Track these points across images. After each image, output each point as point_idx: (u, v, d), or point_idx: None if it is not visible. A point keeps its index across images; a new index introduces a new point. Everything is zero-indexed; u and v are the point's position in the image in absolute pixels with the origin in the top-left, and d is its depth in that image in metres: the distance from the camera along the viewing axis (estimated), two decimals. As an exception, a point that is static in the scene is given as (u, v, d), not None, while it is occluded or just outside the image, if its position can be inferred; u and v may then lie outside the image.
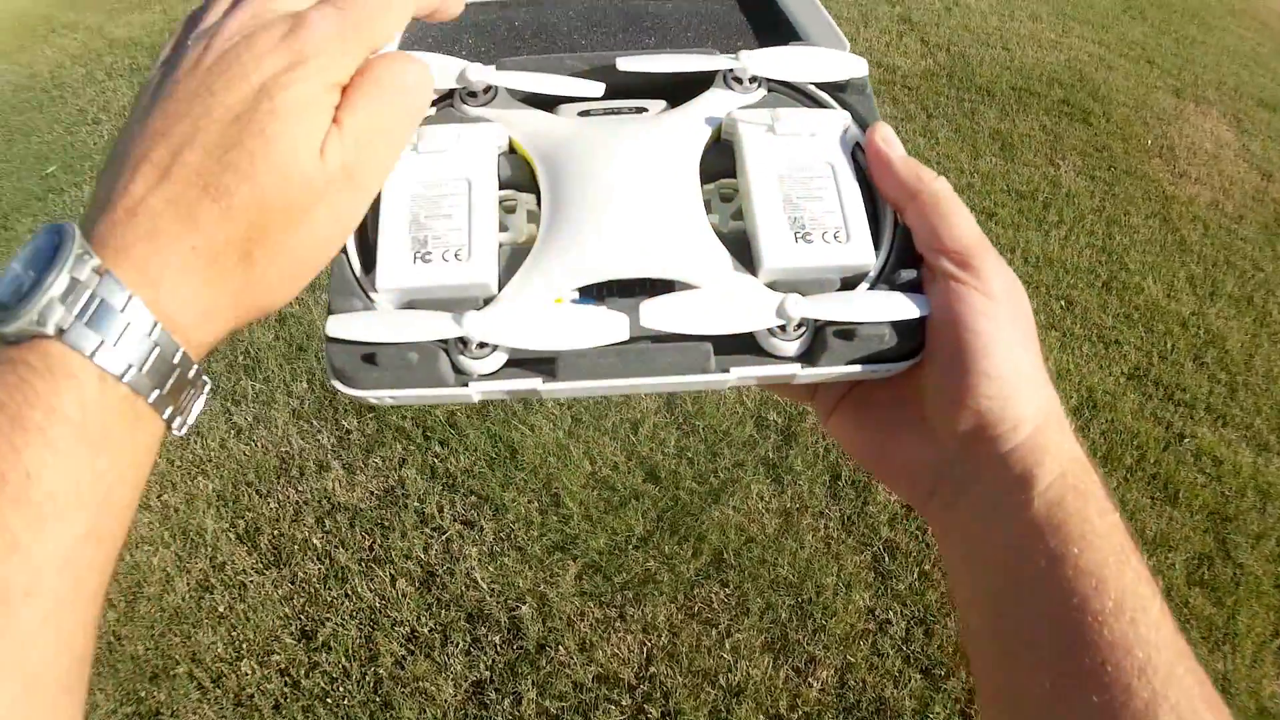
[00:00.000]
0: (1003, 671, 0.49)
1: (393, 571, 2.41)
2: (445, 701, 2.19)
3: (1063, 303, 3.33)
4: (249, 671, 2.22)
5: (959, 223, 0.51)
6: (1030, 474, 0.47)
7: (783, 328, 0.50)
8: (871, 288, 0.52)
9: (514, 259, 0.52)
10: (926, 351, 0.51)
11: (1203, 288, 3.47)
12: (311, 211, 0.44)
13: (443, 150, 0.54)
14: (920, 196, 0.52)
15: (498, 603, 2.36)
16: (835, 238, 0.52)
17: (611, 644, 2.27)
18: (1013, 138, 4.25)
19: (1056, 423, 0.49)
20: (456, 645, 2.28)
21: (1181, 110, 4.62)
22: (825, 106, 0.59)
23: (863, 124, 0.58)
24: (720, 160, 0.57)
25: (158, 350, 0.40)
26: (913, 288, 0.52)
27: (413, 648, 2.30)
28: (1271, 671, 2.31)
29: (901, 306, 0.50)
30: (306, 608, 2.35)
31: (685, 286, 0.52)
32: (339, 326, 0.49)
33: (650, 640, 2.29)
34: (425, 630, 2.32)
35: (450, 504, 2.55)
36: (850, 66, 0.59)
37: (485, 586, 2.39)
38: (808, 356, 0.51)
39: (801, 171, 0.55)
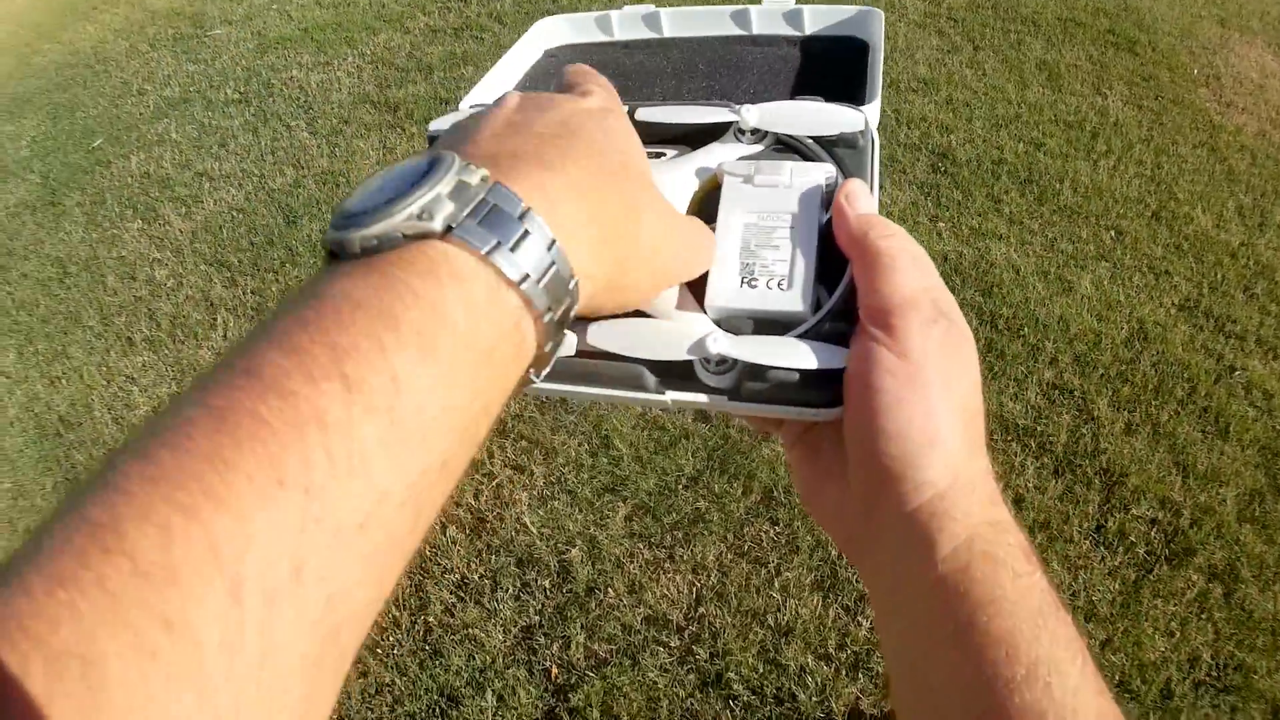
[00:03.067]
0: None
1: (443, 519, 2.43)
2: (494, 648, 2.21)
3: (1113, 233, 3.29)
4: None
5: (888, 281, 0.51)
6: (931, 538, 0.47)
7: (706, 360, 0.54)
8: (801, 336, 0.54)
9: None
10: (845, 403, 0.52)
11: (1252, 218, 3.42)
12: (666, 218, 0.48)
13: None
14: (862, 252, 0.53)
15: (547, 547, 2.38)
16: (779, 285, 0.56)
17: (660, 585, 2.28)
18: (1059, 68, 4.19)
19: (966, 486, 0.48)
20: (506, 591, 2.30)
21: (1227, 40, 4.54)
22: (815, 159, 0.61)
23: (848, 177, 0.60)
24: (712, 205, 0.61)
25: (554, 268, 0.37)
26: (839, 340, 0.53)
27: (463, 594, 2.32)
28: (1323, 610, 2.28)
29: (811, 356, 0.53)
30: (356, 556, 2.35)
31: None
32: None
33: (699, 580, 2.29)
34: (475, 577, 2.35)
35: (501, 449, 2.57)
36: (847, 121, 0.62)
37: (535, 531, 2.41)
38: (736, 392, 0.54)
39: (766, 220, 0.58)
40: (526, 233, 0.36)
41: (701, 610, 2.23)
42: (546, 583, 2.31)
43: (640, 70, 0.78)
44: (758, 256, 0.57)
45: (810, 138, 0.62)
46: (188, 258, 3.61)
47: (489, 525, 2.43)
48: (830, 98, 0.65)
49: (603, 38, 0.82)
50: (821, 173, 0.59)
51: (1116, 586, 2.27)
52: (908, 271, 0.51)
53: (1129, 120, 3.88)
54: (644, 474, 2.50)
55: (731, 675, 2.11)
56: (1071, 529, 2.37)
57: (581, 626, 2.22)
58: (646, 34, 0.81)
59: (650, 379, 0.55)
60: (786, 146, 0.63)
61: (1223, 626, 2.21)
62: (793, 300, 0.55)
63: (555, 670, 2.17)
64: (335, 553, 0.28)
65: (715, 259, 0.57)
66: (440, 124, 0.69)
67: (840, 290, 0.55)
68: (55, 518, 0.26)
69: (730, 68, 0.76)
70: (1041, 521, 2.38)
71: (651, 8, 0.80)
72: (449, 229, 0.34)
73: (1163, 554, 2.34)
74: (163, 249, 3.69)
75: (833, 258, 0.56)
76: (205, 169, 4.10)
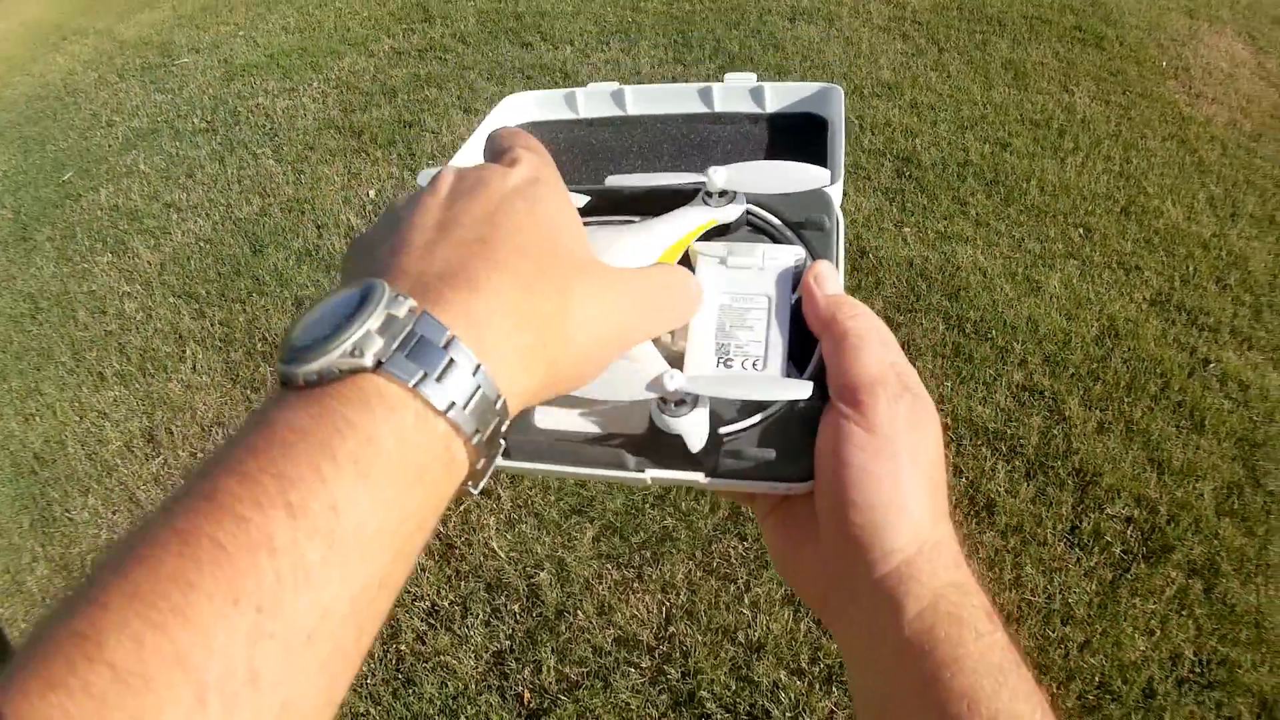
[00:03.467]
0: None
1: (412, 545, 2.40)
2: (466, 674, 2.20)
3: (1081, 230, 3.28)
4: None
5: (857, 359, 0.53)
6: (899, 602, 0.49)
7: (664, 401, 0.55)
8: (776, 413, 0.57)
9: None
10: (816, 475, 0.54)
11: (1223, 209, 3.41)
12: (606, 294, 0.47)
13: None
14: (830, 333, 0.56)
15: (516, 570, 2.36)
16: (754, 365, 0.58)
17: (630, 605, 2.26)
18: (1025, 66, 4.21)
19: (931, 551, 0.50)
20: (476, 616, 2.29)
21: (1195, 30, 4.55)
22: (785, 241, 0.65)
23: (816, 258, 0.63)
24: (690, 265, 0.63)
25: (480, 392, 0.39)
26: (811, 415, 0.55)
27: (433, 622, 2.31)
28: (1309, 602, 2.26)
29: (770, 388, 0.56)
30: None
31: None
32: None
33: (669, 599, 2.28)
34: (445, 604, 2.34)
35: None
36: (813, 177, 0.65)
37: (504, 555, 2.40)
38: (712, 469, 0.56)
39: (740, 302, 0.61)
40: (452, 361, 0.38)
41: (672, 629, 2.22)
42: (516, 607, 2.29)
43: (606, 149, 0.82)
44: (733, 337, 0.59)
45: (780, 219, 0.65)
46: (156, 290, 3.60)
47: (458, 551, 2.42)
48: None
49: (569, 115, 0.85)
50: (791, 255, 0.62)
51: (1093, 587, 2.25)
52: (874, 350, 0.54)
53: (1097, 116, 3.88)
54: (610, 494, 2.49)
55: (704, 694, 2.09)
56: (1045, 531, 2.35)
57: (552, 650, 2.20)
58: (612, 111, 0.84)
59: (630, 459, 0.56)
60: (757, 229, 0.66)
61: (1204, 622, 2.20)
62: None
63: (528, 695, 2.16)
64: (287, 662, 0.31)
65: (690, 341, 0.59)
66: (425, 176, 0.68)
67: (811, 368, 0.58)
68: (47, 625, 0.29)
69: (695, 146, 0.79)
70: (1014, 525, 2.37)
71: (616, 85, 0.83)
72: (379, 363, 0.36)
73: (1140, 552, 2.33)
74: (132, 282, 3.69)
75: (804, 336, 0.59)
76: (173, 200, 4.10)
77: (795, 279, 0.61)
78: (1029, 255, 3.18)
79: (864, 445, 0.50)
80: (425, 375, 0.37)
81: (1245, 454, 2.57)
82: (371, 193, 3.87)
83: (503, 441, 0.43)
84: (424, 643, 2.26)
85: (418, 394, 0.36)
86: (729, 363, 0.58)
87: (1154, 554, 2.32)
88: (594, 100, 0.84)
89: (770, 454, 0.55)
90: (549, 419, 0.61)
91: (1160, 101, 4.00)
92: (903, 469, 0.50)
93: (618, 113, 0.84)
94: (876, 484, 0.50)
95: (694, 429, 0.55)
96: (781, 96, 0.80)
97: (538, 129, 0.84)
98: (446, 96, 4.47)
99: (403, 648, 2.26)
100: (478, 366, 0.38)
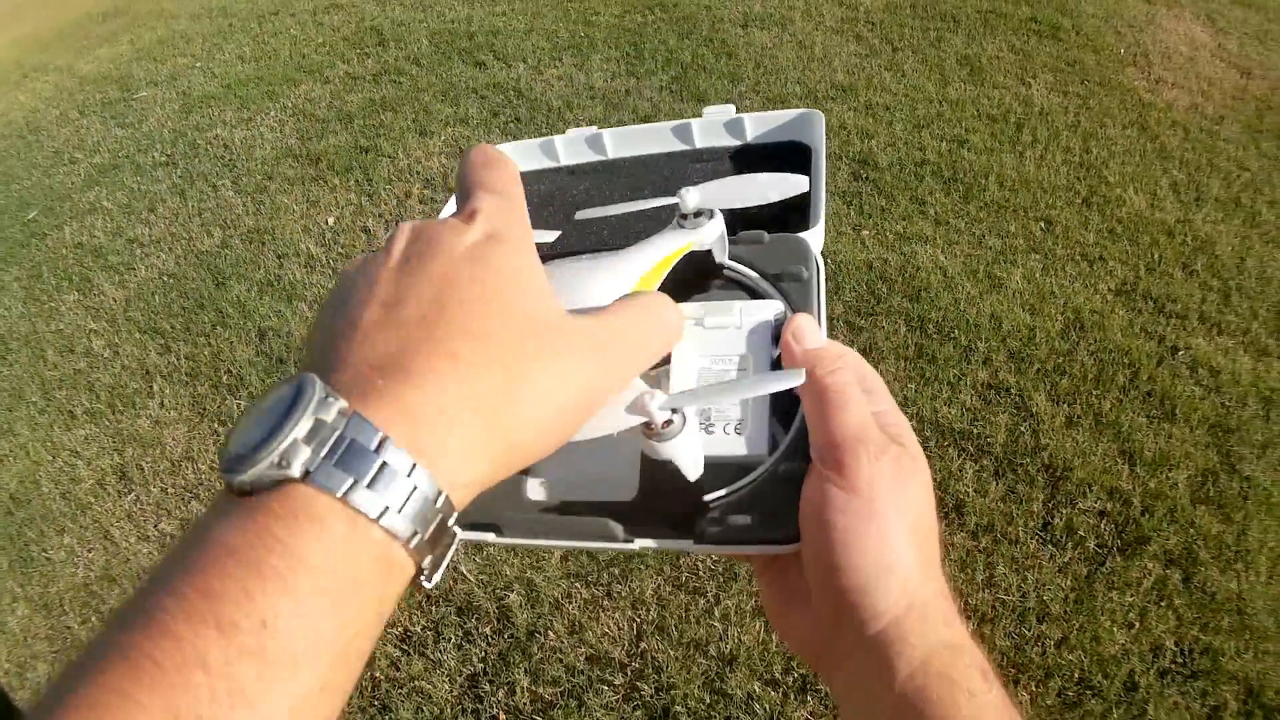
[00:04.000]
0: None
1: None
2: (441, 699, 2.19)
3: (1042, 224, 3.28)
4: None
5: (836, 418, 0.53)
6: (890, 662, 0.49)
7: (649, 425, 0.52)
8: (760, 476, 0.57)
9: None
10: (802, 539, 0.54)
11: (1187, 194, 3.41)
12: (563, 356, 0.45)
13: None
14: (808, 390, 0.55)
15: (486, 593, 2.35)
16: (736, 429, 0.58)
17: (600, 623, 2.25)
18: (981, 61, 4.22)
19: (921, 609, 0.50)
20: (449, 640, 2.28)
21: (1153, 16, 4.56)
22: (762, 295, 0.65)
23: (795, 310, 0.63)
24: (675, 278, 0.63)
25: (418, 493, 0.37)
26: (794, 477, 0.55)
27: (406, 647, 2.30)
28: (1291, 587, 2.25)
29: (758, 384, 0.53)
30: (301, 618, 2.34)
31: None
32: None
33: (639, 616, 2.26)
34: (418, 629, 2.33)
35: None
36: (791, 185, 0.64)
37: (473, 579, 2.39)
38: (699, 535, 0.56)
39: (719, 363, 0.61)
40: (384, 465, 0.36)
41: (643, 645, 2.20)
42: (488, 629, 2.28)
43: (587, 196, 0.81)
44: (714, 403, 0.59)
45: (756, 271, 0.65)
46: (122, 327, 3.60)
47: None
48: (774, 214, 0.69)
49: (549, 163, 0.85)
50: (770, 310, 0.62)
51: (1068, 583, 2.24)
52: (854, 406, 0.53)
53: (1055, 108, 3.89)
54: (577, 511, 2.45)
55: (679, 709, 2.08)
56: (1017, 529, 2.34)
57: (525, 671, 2.19)
58: (591, 156, 0.84)
59: (618, 528, 0.57)
60: (734, 283, 0.66)
61: (1184, 612, 2.19)
62: (748, 445, 0.58)
63: (503, 717, 2.15)
64: None
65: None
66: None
67: (793, 430, 0.58)
68: None
69: (676, 189, 0.76)
70: (985, 525, 2.35)
71: (594, 130, 0.83)
72: (308, 472, 0.36)
73: (1114, 545, 2.32)
74: (99, 319, 3.68)
75: (786, 392, 0.56)
76: (136, 235, 4.10)
77: (776, 333, 0.61)
78: (990, 252, 3.18)
79: (846, 508, 0.50)
80: (355, 483, 0.35)
81: (1219, 440, 2.56)
82: (330, 220, 3.87)
83: (457, 531, 0.41)
84: (398, 669, 2.25)
85: (347, 504, 0.35)
86: (710, 428, 0.58)
87: (1129, 546, 2.31)
88: (572, 147, 0.84)
89: (754, 519, 0.55)
90: (538, 491, 0.62)
91: (1119, 89, 4.01)
92: (888, 529, 0.50)
93: (597, 158, 0.83)
94: (862, 546, 0.49)
95: (686, 453, 0.53)
96: (760, 125, 0.80)
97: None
98: (402, 120, 4.48)
99: (377, 674, 2.25)
100: (413, 467, 0.37)
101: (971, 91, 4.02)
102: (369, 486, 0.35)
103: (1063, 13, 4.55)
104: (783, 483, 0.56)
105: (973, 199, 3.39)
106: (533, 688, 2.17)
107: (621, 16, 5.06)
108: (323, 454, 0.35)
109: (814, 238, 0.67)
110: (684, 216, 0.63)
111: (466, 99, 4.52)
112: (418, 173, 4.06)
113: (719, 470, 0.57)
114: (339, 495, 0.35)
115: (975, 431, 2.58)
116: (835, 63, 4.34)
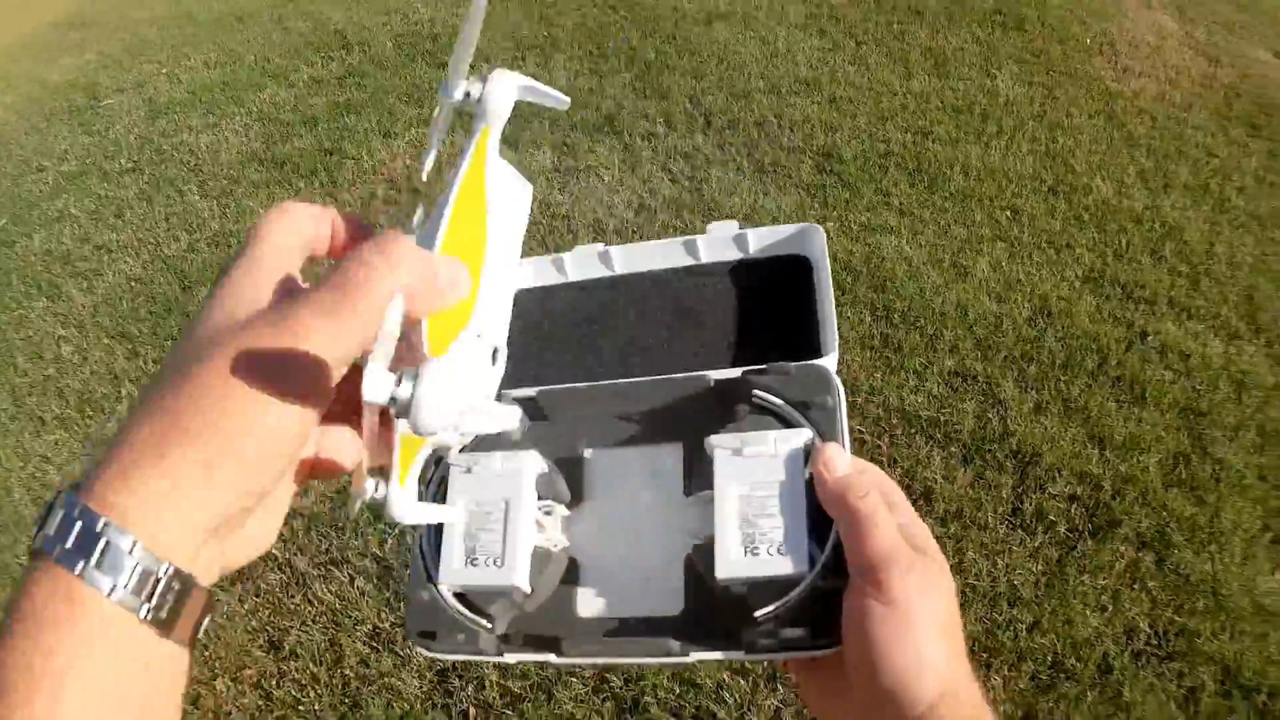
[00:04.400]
0: None
1: (350, 572, 2.41)
2: (411, 695, 2.18)
3: (1008, 212, 3.29)
4: (224, 689, 2.23)
5: (869, 540, 0.57)
6: None
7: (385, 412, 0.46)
8: (803, 593, 0.61)
9: (546, 560, 0.69)
10: (844, 644, 0.59)
11: (1155, 181, 3.42)
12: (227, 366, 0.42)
13: (490, 475, 0.69)
14: (841, 515, 0.60)
15: (455, 589, 2.33)
16: (778, 550, 0.62)
17: (569, 616, 2.23)
18: (945, 54, 4.23)
19: (952, 696, 0.55)
20: (418, 637, 2.25)
21: (1120, 4, 4.59)
22: (793, 423, 0.68)
23: (824, 437, 0.66)
24: (707, 474, 0.67)
25: (140, 568, 0.39)
26: (834, 591, 0.60)
27: (376, 644, 2.29)
28: (1266, 567, 2.25)
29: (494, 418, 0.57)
30: (272, 618, 2.36)
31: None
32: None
33: (608, 608, 2.24)
34: (387, 625, 2.32)
35: (399, 495, 2.54)
36: (797, 439, 0.66)
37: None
38: (750, 646, 0.61)
39: (759, 490, 0.64)
40: (108, 544, 0.38)
41: (613, 638, 2.18)
42: (457, 626, 2.26)
43: (601, 312, 0.85)
44: (756, 526, 0.63)
45: (783, 400, 0.69)
46: (91, 332, 3.58)
47: (395, 573, 2.41)
48: (784, 335, 0.76)
49: (559, 279, 0.87)
50: (801, 437, 0.65)
51: (1039, 568, 2.24)
52: (884, 527, 0.58)
53: (1020, 98, 3.91)
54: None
55: (649, 699, 2.08)
56: (986, 515, 2.34)
57: (494, 665, 2.17)
58: (600, 272, 0.86)
59: (674, 644, 0.63)
60: (764, 409, 0.69)
61: (1158, 594, 2.19)
62: (794, 563, 0.61)
63: (473, 711, 2.15)
64: None
65: (718, 534, 0.63)
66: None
67: (829, 548, 0.61)
68: None
69: (683, 312, 0.83)
70: (954, 511, 2.35)
71: (603, 247, 0.85)
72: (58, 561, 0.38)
73: (1085, 529, 2.32)
74: (67, 325, 3.66)
75: (822, 511, 0.62)
76: (104, 241, 4.08)
77: (807, 457, 0.64)
78: (955, 241, 3.18)
79: (884, 619, 0.55)
80: (85, 565, 0.38)
81: (1190, 423, 2.57)
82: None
83: (207, 589, 0.44)
84: (368, 665, 2.25)
85: (84, 585, 0.38)
86: (755, 550, 0.62)
87: (1100, 529, 2.32)
88: (581, 263, 0.86)
89: (802, 631, 0.60)
90: (590, 607, 0.69)
91: (1086, 79, 4.03)
92: (922, 634, 0.55)
93: (605, 273, 0.86)
94: (900, 651, 0.55)
95: (426, 398, 0.39)
96: (763, 239, 0.82)
97: (528, 297, 0.87)
98: (366, 122, 4.47)
99: (347, 672, 2.24)
100: (134, 543, 0.39)
101: (936, 84, 4.03)
102: (97, 566, 0.38)
103: (1027, 3, 4.57)
104: (825, 597, 0.60)
105: (938, 189, 3.40)
106: (502, 682, 2.17)
107: (584, 16, 5.07)
108: (66, 545, 0.38)
109: (831, 362, 0.71)
110: (460, 114, 0.56)
111: (430, 100, 4.50)
112: (382, 174, 4.05)
113: (764, 587, 0.62)
114: (75, 573, 0.38)
115: (943, 419, 2.58)
116: (799, 58, 4.35)
